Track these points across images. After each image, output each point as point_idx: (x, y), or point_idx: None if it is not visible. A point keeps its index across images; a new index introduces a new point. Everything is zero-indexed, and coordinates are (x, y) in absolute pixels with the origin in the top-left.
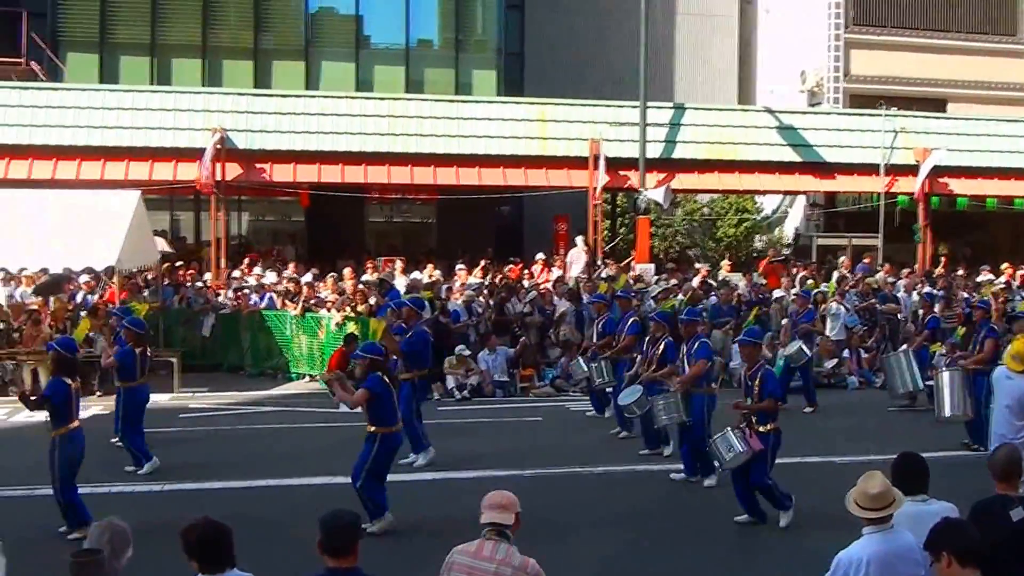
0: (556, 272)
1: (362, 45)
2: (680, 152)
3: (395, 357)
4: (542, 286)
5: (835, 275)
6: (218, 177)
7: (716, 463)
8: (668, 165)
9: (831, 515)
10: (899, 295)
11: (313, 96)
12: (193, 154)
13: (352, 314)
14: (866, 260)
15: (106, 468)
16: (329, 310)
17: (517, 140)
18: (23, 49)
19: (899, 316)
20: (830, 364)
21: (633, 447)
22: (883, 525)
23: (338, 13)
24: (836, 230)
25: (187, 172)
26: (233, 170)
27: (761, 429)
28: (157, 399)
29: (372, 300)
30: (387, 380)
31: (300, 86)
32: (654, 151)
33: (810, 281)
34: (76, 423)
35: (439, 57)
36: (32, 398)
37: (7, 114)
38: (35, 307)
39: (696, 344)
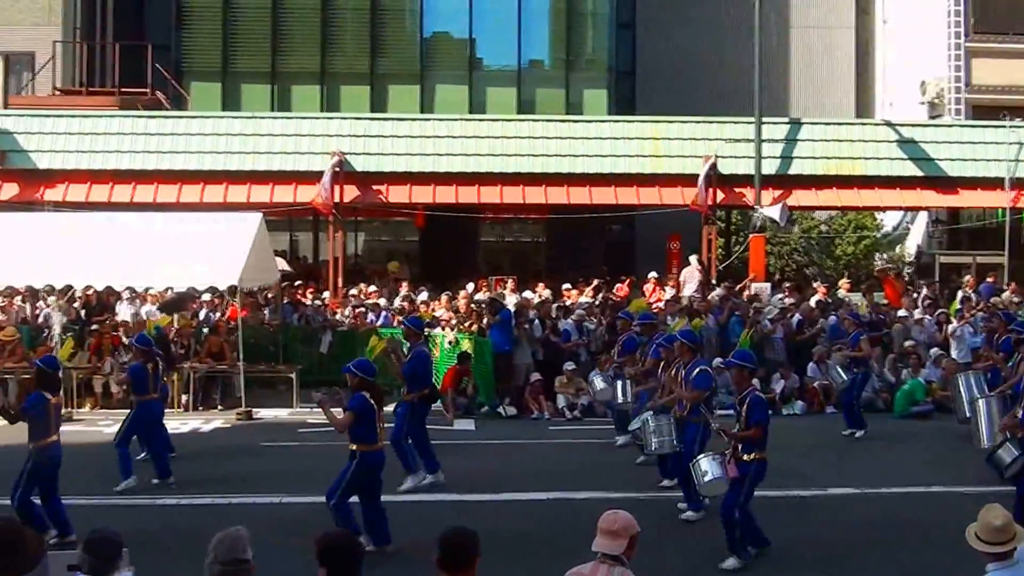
0: (669, 291)
1: (475, 67)
2: (796, 168)
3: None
4: (655, 305)
5: (959, 295)
6: (336, 199)
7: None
8: (784, 181)
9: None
10: None
11: (428, 119)
12: (312, 177)
13: (466, 332)
14: (990, 279)
15: (225, 480)
16: (443, 328)
17: (629, 159)
18: (149, 80)
19: None
20: None
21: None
22: (1007, 561)
23: (452, 37)
24: (960, 247)
25: (306, 194)
26: (351, 192)
27: (745, 458)
28: (277, 413)
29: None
30: (371, 399)
31: (415, 109)
32: (770, 167)
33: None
34: (54, 437)
35: (550, 77)
36: (11, 412)
37: (134, 141)
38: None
39: (696, 370)
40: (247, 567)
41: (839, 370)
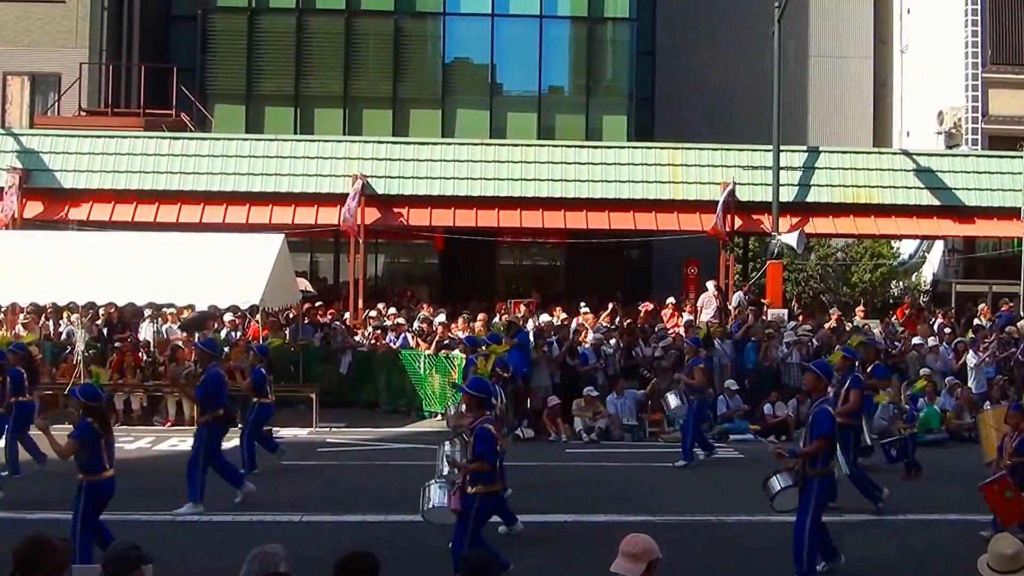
0: (687, 316)
1: (495, 93)
2: (814, 196)
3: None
4: (672, 330)
5: (974, 323)
6: (358, 221)
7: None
8: (802, 209)
9: None
10: None
11: (449, 143)
12: (334, 199)
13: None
14: (1004, 307)
15: (244, 500)
16: (461, 351)
17: (648, 184)
18: (173, 101)
19: None
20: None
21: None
22: None
23: (473, 63)
24: (976, 276)
25: (328, 216)
26: (372, 214)
27: (470, 490)
28: (297, 432)
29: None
30: (97, 426)
31: (436, 134)
32: (787, 195)
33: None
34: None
35: (570, 103)
36: None
37: (158, 162)
38: (180, 343)
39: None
40: None
41: (678, 397)
